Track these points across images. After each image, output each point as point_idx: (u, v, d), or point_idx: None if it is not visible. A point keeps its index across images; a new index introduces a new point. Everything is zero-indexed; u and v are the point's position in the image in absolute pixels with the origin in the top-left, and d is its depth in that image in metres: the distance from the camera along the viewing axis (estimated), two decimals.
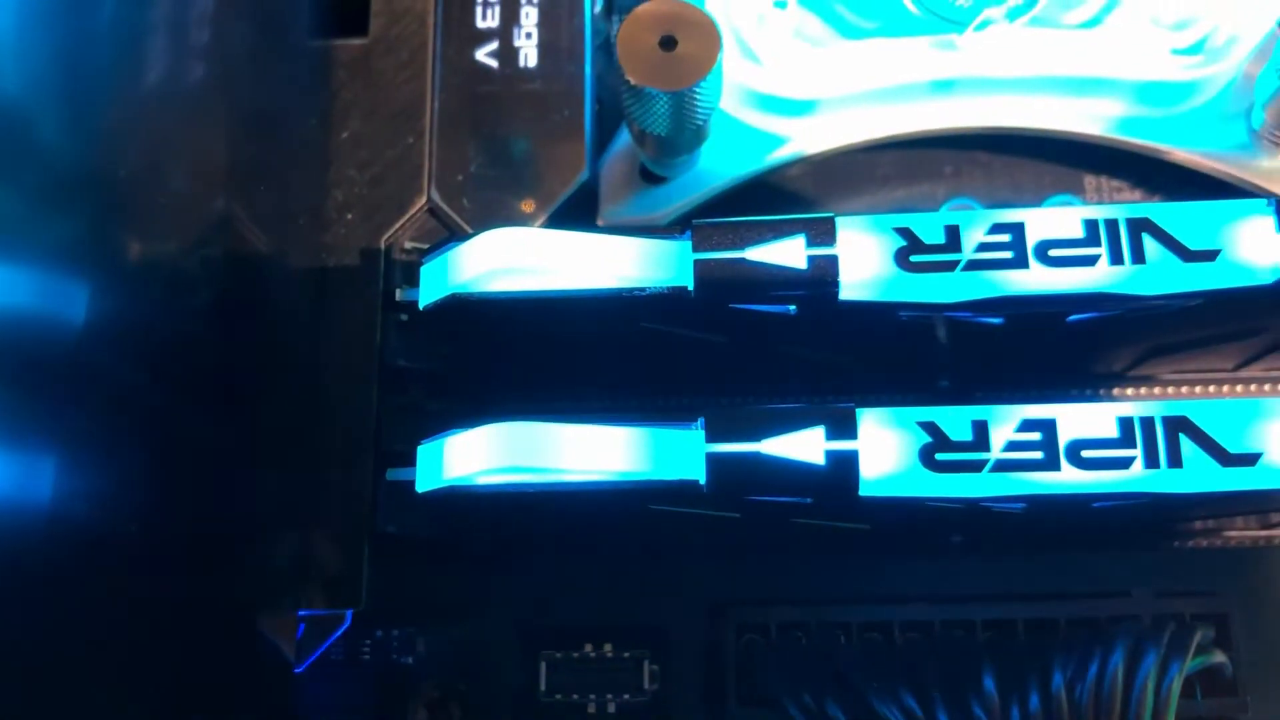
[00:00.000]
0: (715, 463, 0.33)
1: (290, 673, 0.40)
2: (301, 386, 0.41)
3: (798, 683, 0.35)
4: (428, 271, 0.35)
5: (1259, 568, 0.38)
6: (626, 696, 0.41)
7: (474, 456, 0.33)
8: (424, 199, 0.43)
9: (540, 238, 0.34)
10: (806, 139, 0.45)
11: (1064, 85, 0.43)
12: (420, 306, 0.36)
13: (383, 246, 0.42)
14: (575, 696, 0.41)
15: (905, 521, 0.38)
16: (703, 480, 0.33)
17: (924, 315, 0.35)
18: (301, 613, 0.40)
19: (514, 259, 0.34)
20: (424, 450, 0.34)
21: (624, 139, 0.44)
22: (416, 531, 0.41)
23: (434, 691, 0.43)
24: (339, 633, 0.41)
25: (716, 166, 0.44)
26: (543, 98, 0.44)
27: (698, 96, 0.39)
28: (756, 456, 0.33)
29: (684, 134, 0.41)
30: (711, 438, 0.33)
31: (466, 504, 0.35)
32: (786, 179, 0.46)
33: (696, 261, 0.34)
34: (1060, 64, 0.42)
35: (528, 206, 0.41)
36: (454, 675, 0.42)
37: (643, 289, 0.34)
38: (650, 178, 0.44)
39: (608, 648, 0.42)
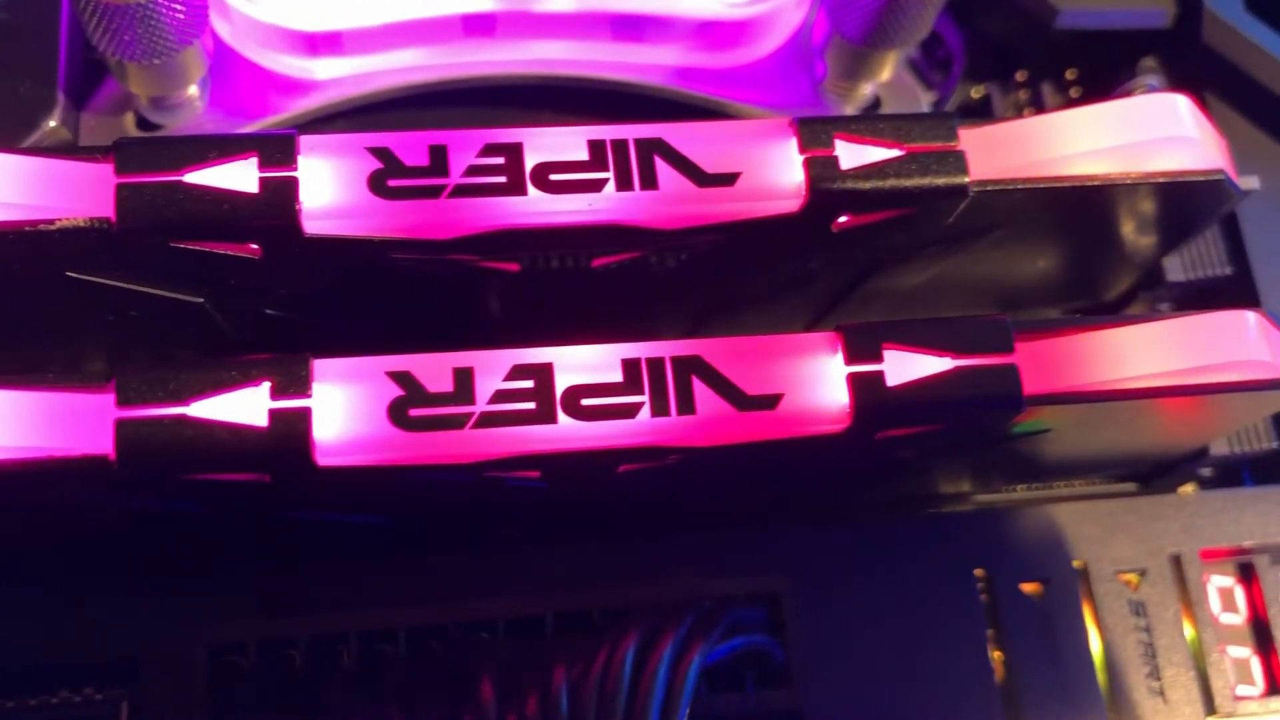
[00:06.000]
0: (128, 431, 0.26)
1: None
2: None
3: (269, 713, 0.29)
4: None
5: (813, 545, 0.34)
6: None
7: None
8: None
9: None
10: (333, 84, 0.39)
11: (615, 26, 0.39)
12: None
13: None
14: None
15: (430, 509, 0.33)
16: (112, 455, 0.26)
17: (424, 261, 0.30)
18: None
19: None
20: None
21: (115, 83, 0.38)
22: None
23: None
24: None
25: (226, 113, 0.38)
26: (6, 28, 0.37)
27: (166, 13, 0.33)
28: (181, 421, 0.26)
29: (165, 64, 0.34)
30: (124, 400, 0.26)
31: None
32: None
33: (119, 186, 0.27)
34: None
35: None
36: None
37: (51, 222, 0.27)
38: (147, 127, 0.38)
39: (87, 690, 0.34)
